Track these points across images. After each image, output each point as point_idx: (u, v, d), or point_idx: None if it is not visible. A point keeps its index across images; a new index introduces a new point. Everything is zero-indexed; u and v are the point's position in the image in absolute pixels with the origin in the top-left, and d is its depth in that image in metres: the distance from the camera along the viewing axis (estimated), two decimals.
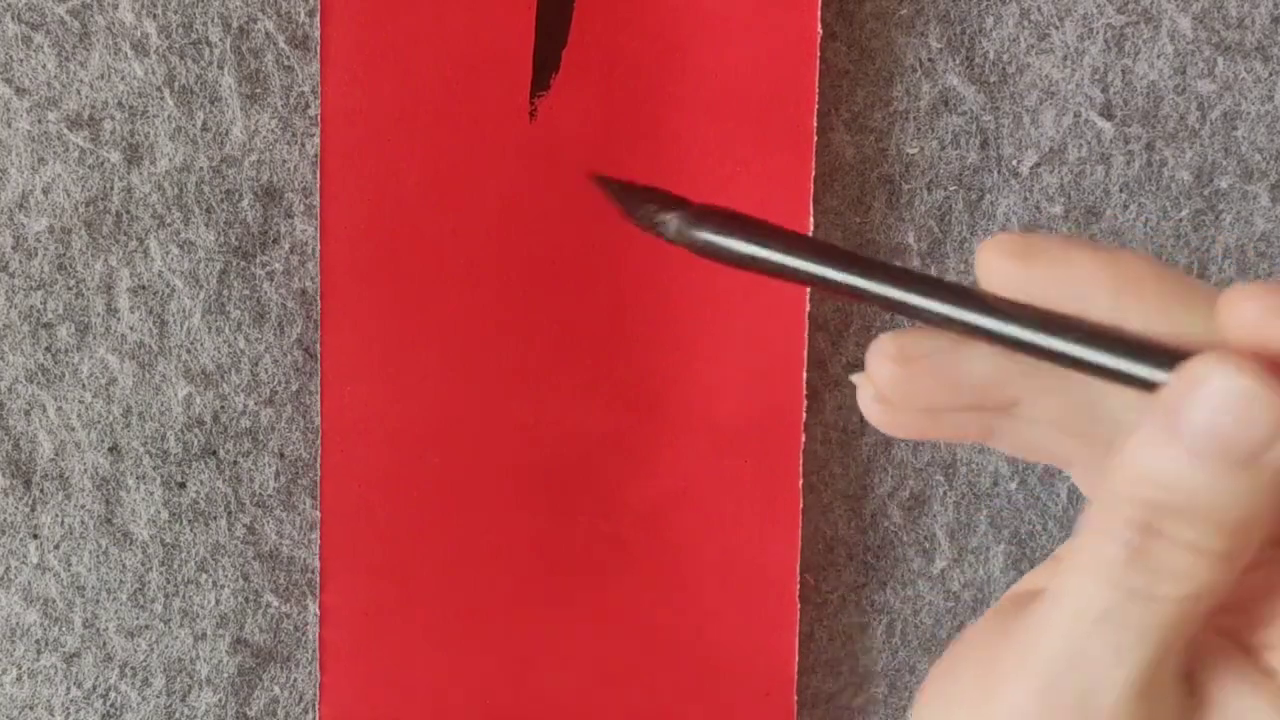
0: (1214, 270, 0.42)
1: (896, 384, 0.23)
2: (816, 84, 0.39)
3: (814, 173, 0.39)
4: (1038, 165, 0.41)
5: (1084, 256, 0.22)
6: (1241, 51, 0.41)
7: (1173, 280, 0.22)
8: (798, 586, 0.40)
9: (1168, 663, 0.21)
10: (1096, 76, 0.41)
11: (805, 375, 0.40)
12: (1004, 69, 0.40)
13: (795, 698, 0.41)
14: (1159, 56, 0.41)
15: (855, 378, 0.24)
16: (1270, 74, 0.41)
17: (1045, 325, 0.22)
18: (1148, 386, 0.21)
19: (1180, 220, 0.42)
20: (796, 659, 0.41)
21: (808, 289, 0.39)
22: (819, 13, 0.38)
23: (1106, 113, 0.41)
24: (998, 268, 0.23)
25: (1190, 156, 0.41)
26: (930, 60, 0.40)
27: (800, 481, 0.40)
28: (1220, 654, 0.22)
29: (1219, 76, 0.41)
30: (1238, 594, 0.22)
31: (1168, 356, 0.21)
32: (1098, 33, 0.40)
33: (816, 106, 0.39)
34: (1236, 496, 0.20)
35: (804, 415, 0.40)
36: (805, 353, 0.39)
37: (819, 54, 0.39)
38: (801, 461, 0.40)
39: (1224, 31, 0.41)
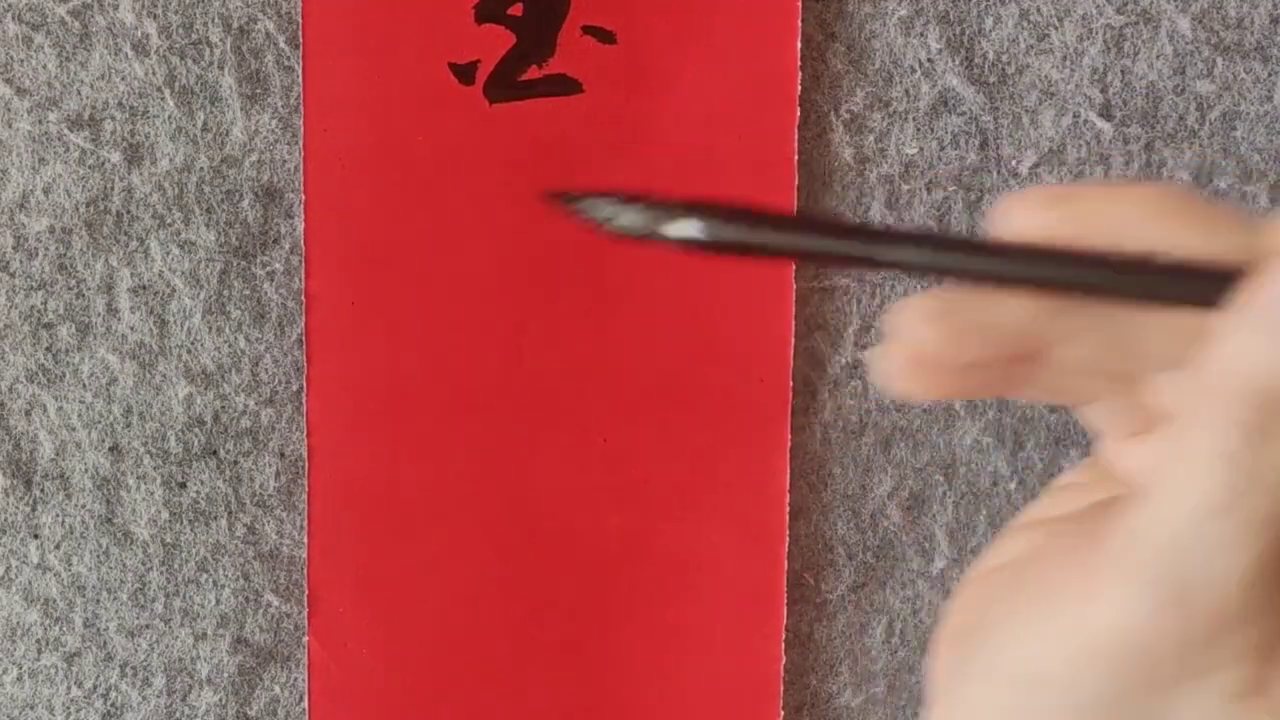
0: None
1: (933, 344, 0.22)
2: (798, 90, 0.39)
3: (797, 180, 0.39)
4: (1037, 166, 0.41)
5: (1113, 194, 0.22)
6: (1241, 52, 0.41)
7: (1209, 210, 0.21)
8: (784, 595, 0.40)
9: (1276, 553, 0.20)
10: (1096, 77, 0.41)
11: (791, 378, 0.40)
12: (1003, 69, 0.40)
13: (780, 703, 0.41)
14: (1158, 57, 0.41)
15: (872, 352, 0.23)
16: (1269, 74, 0.41)
17: (1086, 262, 0.21)
18: (1208, 304, 0.21)
19: None
20: (782, 666, 0.41)
21: (793, 288, 0.39)
22: (799, 20, 0.38)
23: (1106, 113, 0.41)
24: (1024, 218, 0.22)
25: (1189, 157, 0.41)
26: (929, 61, 0.40)
27: (787, 487, 0.40)
28: None
29: (1218, 77, 0.41)
30: None
31: (1222, 274, 0.21)
32: (1097, 33, 0.40)
33: (799, 113, 0.39)
34: None
35: (790, 416, 0.40)
36: (792, 352, 0.39)
37: (811, 58, 0.39)
38: (789, 466, 0.40)
39: (1223, 32, 0.41)
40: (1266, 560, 0.20)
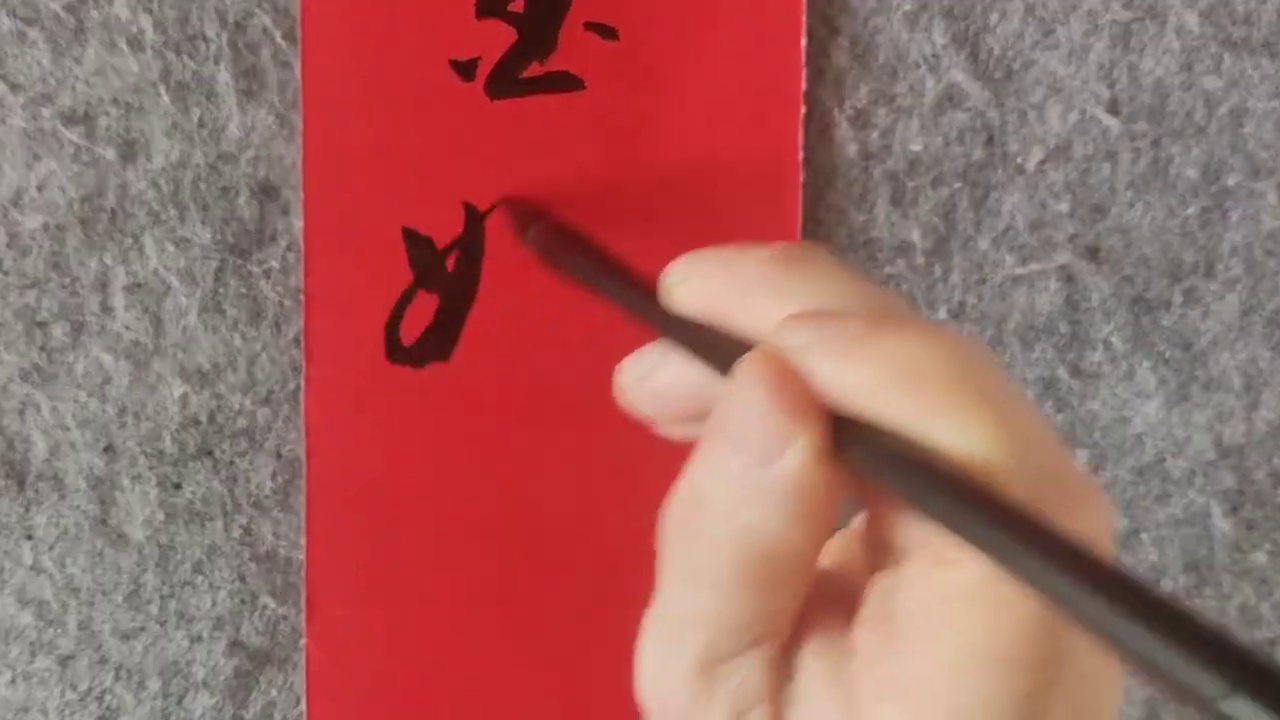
0: (1221, 269, 0.42)
1: (631, 401, 0.26)
2: (803, 86, 0.38)
3: (802, 176, 0.39)
4: (1044, 162, 0.40)
5: (742, 259, 0.24)
6: (1248, 48, 0.41)
7: (832, 266, 0.24)
8: None
9: (726, 648, 0.22)
10: (1102, 73, 0.40)
11: None
12: (1009, 65, 0.40)
13: None
14: (1165, 53, 0.40)
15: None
16: (1278, 70, 0.41)
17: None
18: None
19: (1187, 218, 0.41)
20: None
21: None
22: (803, 15, 0.38)
23: (1113, 109, 0.41)
24: (687, 296, 0.25)
25: (1197, 154, 0.41)
26: (935, 56, 0.40)
27: None
28: (814, 650, 0.23)
29: (1226, 73, 0.41)
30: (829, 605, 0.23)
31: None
32: (1103, 29, 0.40)
33: (803, 109, 0.38)
34: (750, 503, 0.22)
35: None
36: None
37: (815, 53, 0.39)
38: None
39: (1231, 27, 0.41)
40: (715, 654, 0.23)
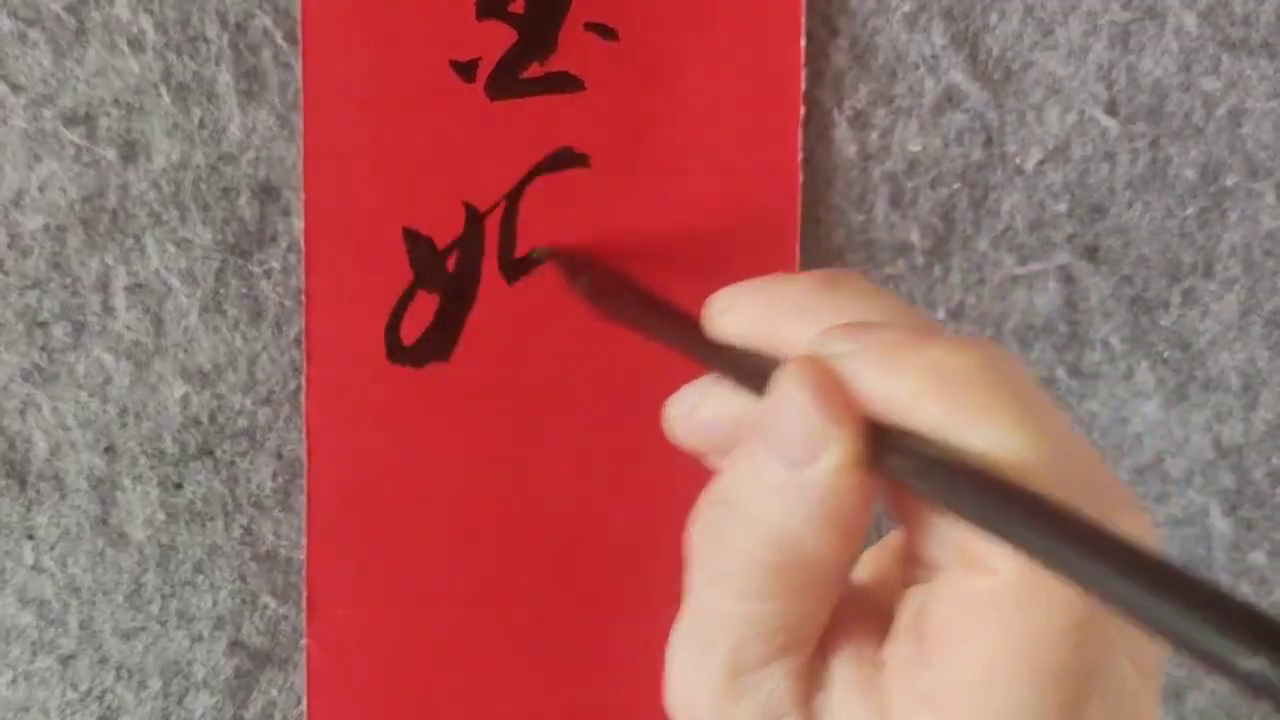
0: (1219, 269, 0.42)
1: (681, 435, 0.27)
2: (802, 87, 0.38)
3: (801, 176, 0.39)
4: (1042, 163, 0.41)
5: (785, 285, 0.25)
6: (1247, 48, 0.41)
7: (869, 288, 0.24)
8: None
9: (753, 655, 0.22)
10: (1101, 73, 0.40)
11: None
12: (1008, 66, 0.40)
13: None
14: (1164, 53, 0.41)
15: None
16: (1276, 71, 0.41)
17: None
18: None
19: (1185, 219, 0.41)
20: None
21: None
22: (803, 16, 0.38)
23: (1111, 110, 0.41)
24: (731, 322, 0.26)
25: (1195, 154, 0.41)
26: (934, 57, 0.40)
27: None
28: (847, 662, 0.23)
29: (1224, 73, 0.41)
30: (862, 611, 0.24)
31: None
32: (1102, 29, 0.40)
33: (803, 110, 0.38)
34: (783, 507, 0.22)
35: None
36: None
37: (815, 54, 0.39)
38: None
39: (1229, 28, 0.41)
40: (741, 659, 0.23)
